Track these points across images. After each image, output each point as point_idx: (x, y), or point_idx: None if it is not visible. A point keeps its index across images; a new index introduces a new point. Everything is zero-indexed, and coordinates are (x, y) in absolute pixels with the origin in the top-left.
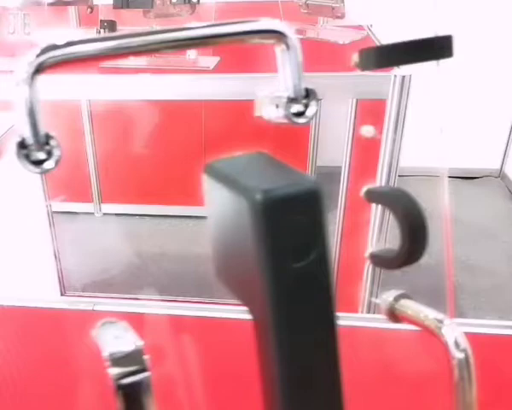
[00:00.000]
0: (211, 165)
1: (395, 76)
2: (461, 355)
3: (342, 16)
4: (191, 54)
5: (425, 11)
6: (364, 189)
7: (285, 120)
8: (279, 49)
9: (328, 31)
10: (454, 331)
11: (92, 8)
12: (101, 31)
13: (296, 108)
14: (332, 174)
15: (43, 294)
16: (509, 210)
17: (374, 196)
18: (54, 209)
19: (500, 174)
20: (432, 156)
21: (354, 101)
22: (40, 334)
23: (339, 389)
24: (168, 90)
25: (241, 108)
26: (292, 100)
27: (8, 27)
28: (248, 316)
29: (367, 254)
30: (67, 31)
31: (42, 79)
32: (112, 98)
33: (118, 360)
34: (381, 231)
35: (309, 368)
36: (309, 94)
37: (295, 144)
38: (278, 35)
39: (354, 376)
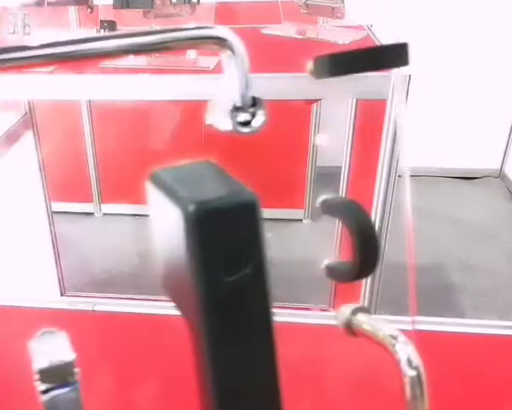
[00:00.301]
0: (154, 173)
1: (395, 76)
2: (413, 373)
3: (342, 16)
4: (191, 54)
5: (425, 11)
6: (319, 199)
7: (231, 129)
8: (225, 56)
9: (328, 31)
10: (407, 348)
11: (92, 8)
12: (101, 31)
13: (243, 116)
14: (332, 174)
15: (43, 294)
16: (509, 210)
17: (327, 208)
18: (54, 209)
19: (500, 174)
20: (431, 156)
21: (354, 101)
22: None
23: (276, 401)
24: (168, 90)
25: None
26: (238, 108)
27: (8, 27)
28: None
29: (322, 265)
30: (67, 31)
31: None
32: (112, 98)
33: (46, 374)
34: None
35: (244, 381)
36: (256, 103)
37: (295, 144)
38: (223, 42)
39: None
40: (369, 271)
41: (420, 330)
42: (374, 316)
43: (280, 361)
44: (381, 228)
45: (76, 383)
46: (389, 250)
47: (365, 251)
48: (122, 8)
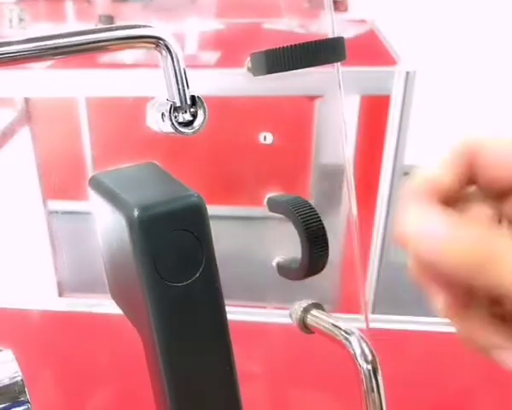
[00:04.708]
0: (94, 177)
1: (399, 72)
2: (368, 366)
3: (345, 10)
4: (191, 49)
5: (429, 5)
6: (266, 197)
7: (172, 130)
8: (160, 56)
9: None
10: (361, 343)
11: (89, 1)
12: (99, 25)
13: (182, 117)
14: (336, 172)
15: (40, 295)
16: None
17: (273, 205)
18: (51, 208)
19: None
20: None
21: (358, 97)
22: (38, 336)
23: (234, 405)
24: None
25: (243, 105)
26: (177, 108)
27: (5, 22)
28: (246, 318)
29: (274, 262)
30: (64, 25)
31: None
32: (110, 95)
33: None
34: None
35: (200, 390)
36: (195, 102)
37: (298, 141)
38: (158, 41)
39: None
40: (318, 269)
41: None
42: (325, 313)
43: (280, 362)
44: (385, 226)
45: (26, 403)
46: (391, 249)
47: (314, 249)
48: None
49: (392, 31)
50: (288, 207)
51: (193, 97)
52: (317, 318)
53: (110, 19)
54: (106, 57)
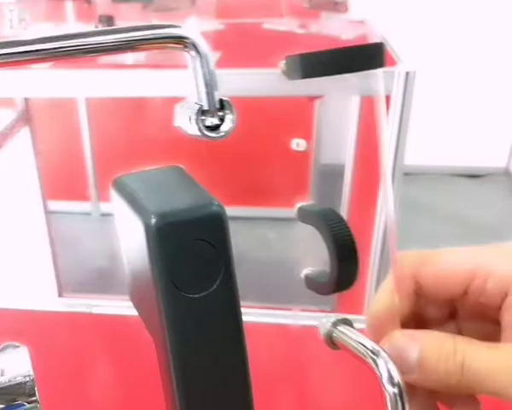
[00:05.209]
0: (118, 179)
1: (399, 72)
2: (394, 390)
3: (345, 11)
4: None
5: (429, 6)
6: (297, 206)
7: (199, 134)
8: (189, 57)
9: (331, 26)
10: (388, 364)
11: (90, 2)
12: (99, 25)
13: (210, 120)
14: (336, 172)
15: (40, 296)
16: None
17: (303, 215)
18: (50, 208)
19: (506, 172)
20: (436, 154)
21: (358, 98)
22: (37, 337)
23: None
24: (168, 86)
25: (243, 105)
26: (204, 112)
27: (5, 22)
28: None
29: (302, 274)
30: (64, 25)
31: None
32: (109, 95)
33: (3, 392)
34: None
35: (211, 399)
36: (224, 106)
37: (298, 141)
38: (186, 41)
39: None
40: (345, 285)
41: None
42: (353, 330)
43: (283, 363)
44: (385, 226)
45: (35, 402)
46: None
47: (341, 263)
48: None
49: (392, 31)
50: (318, 219)
51: (221, 101)
52: (344, 334)
53: (110, 19)
54: (106, 58)
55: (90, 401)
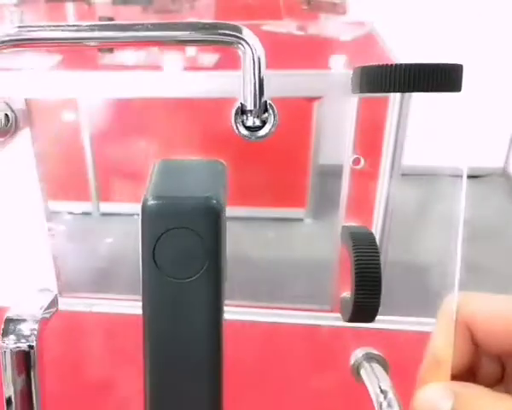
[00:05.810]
0: (159, 162)
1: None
2: None
3: (344, 12)
4: (190, 51)
5: (428, 8)
6: (341, 226)
7: (243, 133)
8: (242, 57)
9: (330, 27)
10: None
11: (89, 3)
12: None
13: (251, 121)
14: (334, 172)
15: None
16: None
17: (342, 236)
18: (51, 208)
19: (503, 173)
20: (433, 154)
21: (356, 99)
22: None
23: (217, 403)
24: (167, 87)
25: None
26: (248, 112)
27: (5, 23)
28: (241, 317)
29: (341, 296)
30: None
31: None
32: (110, 96)
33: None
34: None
35: (176, 389)
36: (267, 109)
37: (297, 142)
38: (240, 40)
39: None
40: (363, 317)
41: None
42: (382, 371)
43: (282, 362)
44: (383, 227)
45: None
46: (390, 249)
47: (360, 293)
48: (121, 4)
49: (391, 33)
50: (349, 241)
51: (266, 103)
52: (369, 371)
53: (110, 21)
54: (107, 59)
55: (90, 400)
